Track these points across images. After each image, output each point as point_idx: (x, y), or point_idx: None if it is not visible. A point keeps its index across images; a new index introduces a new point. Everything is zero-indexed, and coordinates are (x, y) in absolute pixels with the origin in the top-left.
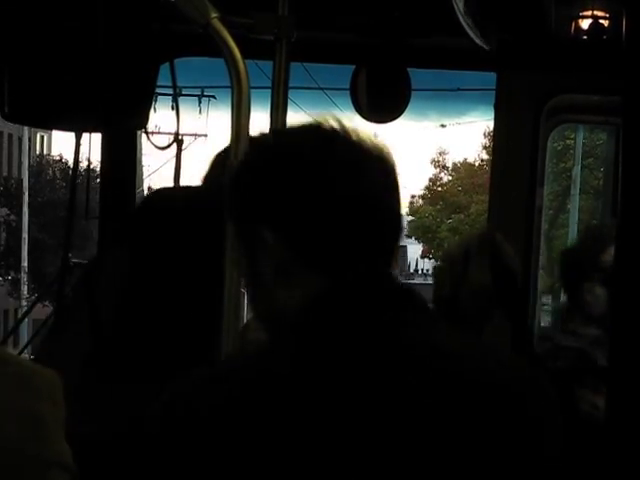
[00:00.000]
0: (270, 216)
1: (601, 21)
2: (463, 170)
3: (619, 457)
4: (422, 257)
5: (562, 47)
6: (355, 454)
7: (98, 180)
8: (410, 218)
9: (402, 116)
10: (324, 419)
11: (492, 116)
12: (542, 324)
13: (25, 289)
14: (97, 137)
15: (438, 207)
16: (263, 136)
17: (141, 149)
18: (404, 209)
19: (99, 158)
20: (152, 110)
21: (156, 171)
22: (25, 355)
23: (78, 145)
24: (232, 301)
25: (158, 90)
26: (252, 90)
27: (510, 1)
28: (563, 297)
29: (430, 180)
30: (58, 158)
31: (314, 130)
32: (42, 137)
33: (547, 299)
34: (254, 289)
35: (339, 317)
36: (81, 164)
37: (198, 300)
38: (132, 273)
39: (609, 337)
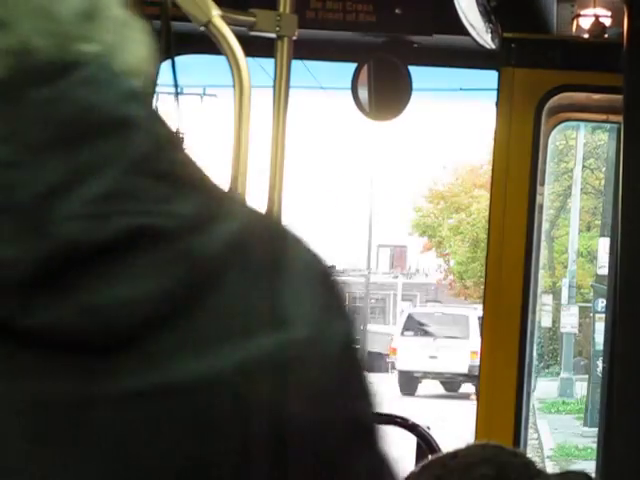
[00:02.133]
0: None
1: (602, 19)
2: (464, 169)
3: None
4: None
5: (563, 45)
6: None
7: None
8: (412, 217)
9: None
10: None
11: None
12: (542, 324)
13: None
14: None
15: (439, 207)
16: None
17: None
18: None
19: None
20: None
21: None
22: None
23: None
24: None
25: (159, 89)
26: (253, 88)
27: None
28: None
29: (431, 180)
30: None
31: None
32: None
33: (547, 299)
34: None
35: None
36: None
37: None
38: None
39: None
